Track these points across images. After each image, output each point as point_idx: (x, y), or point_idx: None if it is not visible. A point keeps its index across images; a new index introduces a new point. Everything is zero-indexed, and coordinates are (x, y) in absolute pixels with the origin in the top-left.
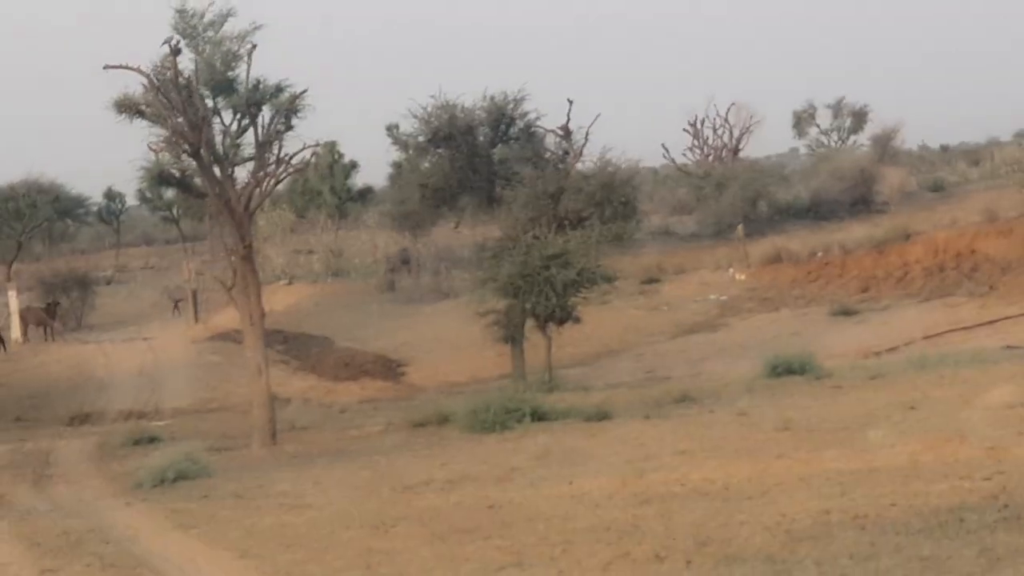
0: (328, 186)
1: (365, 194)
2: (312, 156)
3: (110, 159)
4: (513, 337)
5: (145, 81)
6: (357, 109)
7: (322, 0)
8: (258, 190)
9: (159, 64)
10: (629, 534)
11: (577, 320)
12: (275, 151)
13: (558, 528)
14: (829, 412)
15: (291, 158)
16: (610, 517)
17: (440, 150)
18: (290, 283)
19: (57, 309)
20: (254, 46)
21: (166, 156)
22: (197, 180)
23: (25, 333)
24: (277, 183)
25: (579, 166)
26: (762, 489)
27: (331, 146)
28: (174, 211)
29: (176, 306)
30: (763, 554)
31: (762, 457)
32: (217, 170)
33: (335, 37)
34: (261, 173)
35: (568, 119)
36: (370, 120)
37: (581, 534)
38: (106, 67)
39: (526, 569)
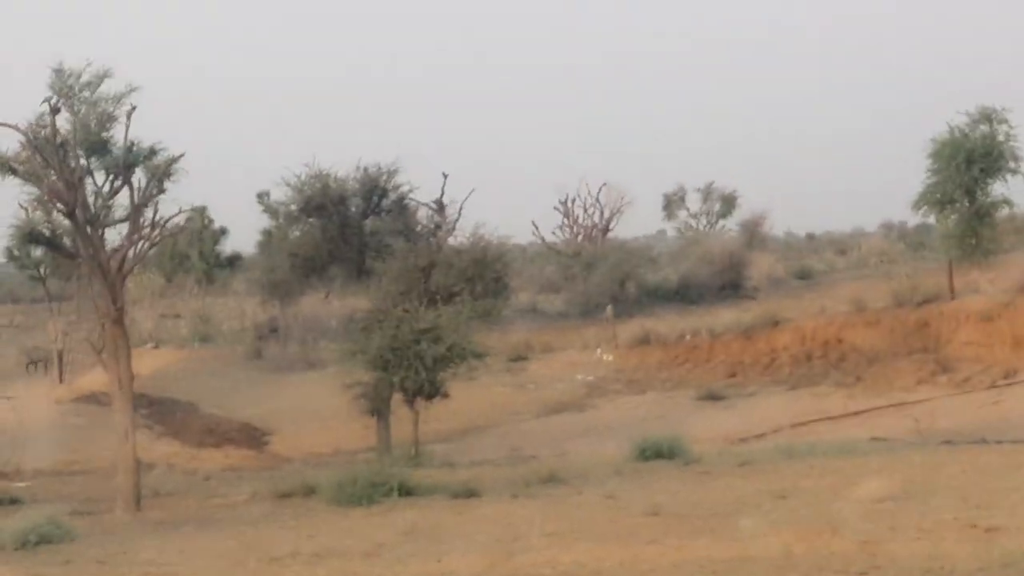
0: (197, 251)
1: (234, 260)
2: (186, 221)
3: None
4: (379, 410)
5: (22, 138)
6: (227, 175)
7: (193, 61)
8: (131, 252)
9: (34, 122)
10: None
11: (445, 395)
12: (149, 214)
13: None
14: (699, 498)
15: (166, 222)
16: None
17: (311, 219)
18: (157, 347)
19: None
20: (133, 108)
21: (37, 215)
22: (67, 240)
23: None
24: (152, 246)
25: (451, 241)
26: (634, 575)
27: (201, 211)
28: (41, 270)
29: (33, 365)
30: None
31: (633, 542)
32: (89, 230)
33: (205, 100)
34: (135, 236)
35: (442, 193)
36: (240, 187)
37: None
38: None
39: None
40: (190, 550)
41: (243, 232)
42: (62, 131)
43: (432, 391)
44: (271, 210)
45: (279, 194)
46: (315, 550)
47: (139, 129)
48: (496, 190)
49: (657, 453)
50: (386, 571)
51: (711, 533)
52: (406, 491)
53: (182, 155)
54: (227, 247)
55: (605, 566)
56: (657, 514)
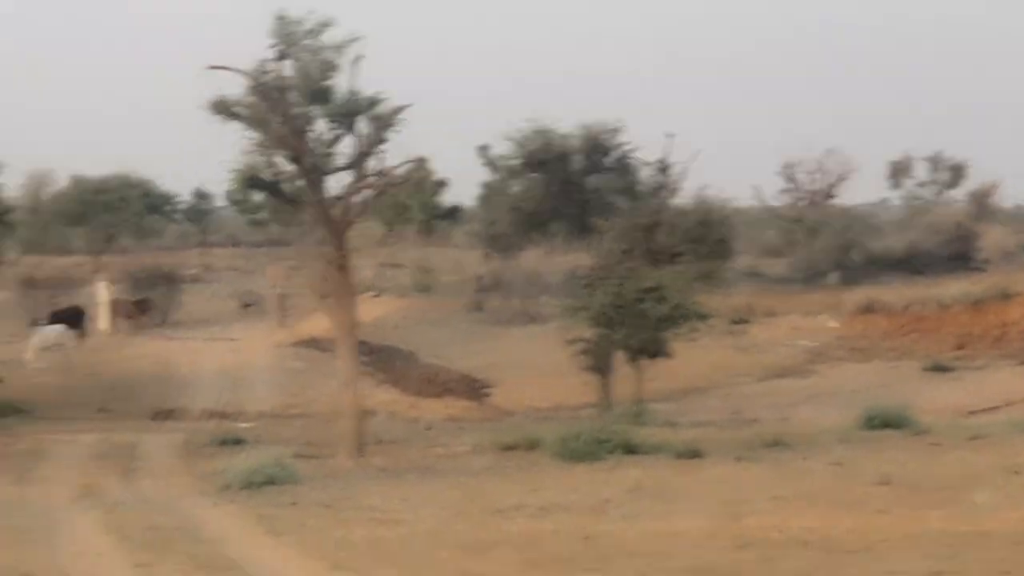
0: (417, 202)
1: (453, 212)
2: (415, 171)
3: (201, 159)
4: (601, 367)
5: (247, 83)
6: (448, 126)
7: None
8: (356, 200)
9: (258, 68)
10: None
11: (669, 355)
12: (375, 163)
13: (657, 566)
14: (930, 470)
15: (391, 171)
16: (709, 559)
17: (533, 174)
18: (378, 296)
19: (148, 306)
20: (359, 56)
21: (258, 160)
22: (287, 186)
23: (114, 324)
24: (377, 195)
25: (675, 201)
26: (866, 544)
27: (422, 162)
28: (262, 215)
29: (244, 309)
30: None
31: (863, 511)
32: (314, 177)
33: (429, 51)
34: (360, 184)
35: (667, 154)
36: (460, 139)
37: (681, 574)
38: (210, 67)
39: None
40: (414, 498)
41: (463, 184)
42: (286, 78)
43: (656, 350)
44: (492, 164)
45: (500, 148)
46: (540, 503)
47: (360, 78)
48: (718, 152)
49: (884, 422)
50: (613, 528)
51: (944, 506)
52: (630, 449)
53: (408, 105)
54: (447, 199)
55: (835, 533)
56: (887, 484)
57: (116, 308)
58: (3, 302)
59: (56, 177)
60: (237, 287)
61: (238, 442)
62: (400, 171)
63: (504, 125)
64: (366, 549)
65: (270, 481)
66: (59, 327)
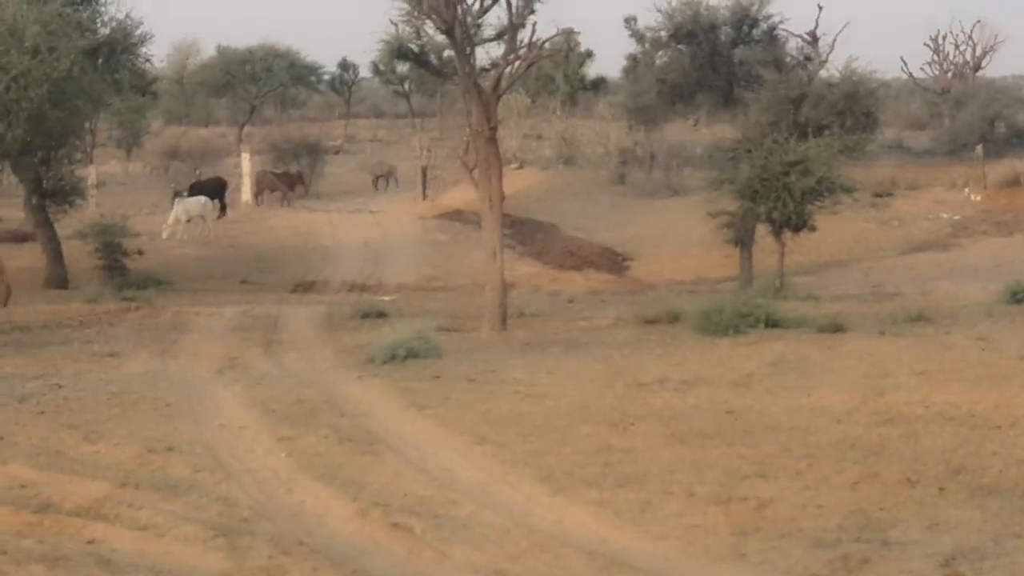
0: (562, 73)
1: (598, 84)
2: (565, 43)
3: (347, 29)
4: (744, 240)
5: None
6: None
7: None
8: (507, 72)
9: None
10: (875, 454)
11: (813, 228)
12: (525, 35)
13: (800, 441)
14: None
15: (543, 43)
16: (854, 434)
17: (680, 46)
18: (520, 167)
19: (298, 178)
20: None
21: (406, 31)
22: (434, 57)
23: (258, 196)
24: (529, 66)
25: (823, 73)
26: (1011, 420)
27: (569, 33)
28: (406, 86)
29: (375, 182)
30: (1020, 488)
31: (1008, 386)
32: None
33: None
34: (512, 55)
35: (816, 25)
36: (606, 11)
37: (825, 449)
38: None
39: (771, 481)
40: (558, 371)
41: (608, 56)
42: None
43: (799, 223)
44: (638, 35)
45: (647, 19)
46: (683, 377)
47: None
48: (865, 24)
49: None
50: (756, 402)
51: None
52: (772, 323)
53: None
54: (592, 71)
55: (979, 408)
56: None
57: (261, 180)
58: (147, 173)
59: (201, 47)
60: (372, 158)
61: (380, 315)
62: (551, 43)
63: None
64: (510, 423)
65: (413, 354)
66: (201, 198)
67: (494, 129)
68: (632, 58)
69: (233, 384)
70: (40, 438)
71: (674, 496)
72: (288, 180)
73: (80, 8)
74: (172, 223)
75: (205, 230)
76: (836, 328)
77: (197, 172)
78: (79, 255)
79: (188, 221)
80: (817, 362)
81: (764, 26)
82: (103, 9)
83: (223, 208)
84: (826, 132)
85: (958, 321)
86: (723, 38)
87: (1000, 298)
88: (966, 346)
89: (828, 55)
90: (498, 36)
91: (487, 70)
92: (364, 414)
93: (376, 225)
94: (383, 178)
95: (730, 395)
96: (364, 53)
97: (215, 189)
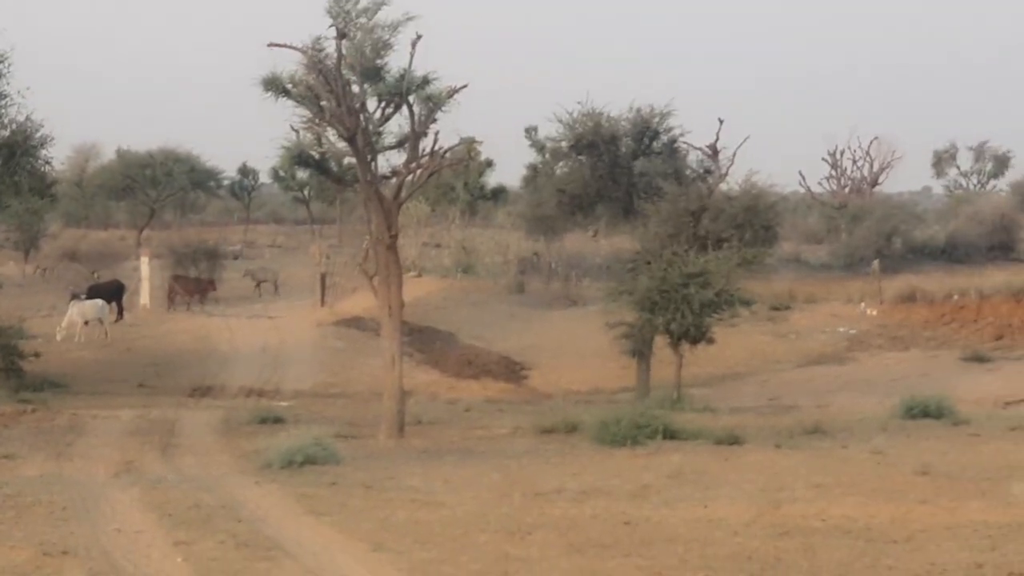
0: (463, 182)
1: (498, 194)
2: (470, 153)
3: (247, 135)
4: (641, 352)
5: (303, 62)
6: (493, 108)
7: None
8: (409, 180)
9: (312, 47)
10: (772, 567)
11: (711, 340)
12: (427, 143)
13: (698, 552)
14: (969, 460)
15: (445, 152)
16: (751, 547)
17: (581, 157)
18: (419, 276)
19: (208, 285)
20: (419, 36)
21: (307, 138)
22: (334, 164)
23: (172, 300)
24: (430, 175)
25: (723, 186)
26: (906, 534)
27: (470, 142)
28: (305, 192)
29: (258, 287)
30: None
31: (903, 500)
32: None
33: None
34: (413, 164)
35: (717, 138)
36: (506, 120)
37: (722, 561)
38: (270, 45)
39: None
40: (455, 480)
41: (509, 166)
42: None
43: (698, 335)
44: (539, 145)
45: (548, 130)
46: (581, 488)
47: (406, 58)
48: (765, 137)
49: (924, 412)
50: (653, 513)
51: (984, 497)
52: (670, 434)
53: (464, 86)
54: (492, 180)
55: (875, 522)
56: (927, 474)
57: (174, 285)
58: (44, 275)
59: (102, 150)
60: (248, 265)
61: (278, 420)
62: (452, 152)
63: (550, 107)
64: (407, 530)
65: (311, 460)
66: (98, 301)
67: (394, 237)
68: (532, 168)
69: (130, 488)
70: None
71: None
72: (199, 286)
73: None
74: (67, 325)
75: (102, 333)
76: (733, 440)
77: (95, 275)
78: None
79: (85, 324)
80: (714, 474)
81: (665, 138)
82: (3, 111)
83: (120, 311)
84: (725, 245)
85: (854, 435)
86: (624, 149)
87: (895, 412)
88: (862, 460)
89: (728, 168)
90: (400, 144)
91: (388, 178)
92: (262, 520)
93: (274, 331)
94: (265, 283)
95: (628, 506)
96: (264, 159)
97: (113, 292)
